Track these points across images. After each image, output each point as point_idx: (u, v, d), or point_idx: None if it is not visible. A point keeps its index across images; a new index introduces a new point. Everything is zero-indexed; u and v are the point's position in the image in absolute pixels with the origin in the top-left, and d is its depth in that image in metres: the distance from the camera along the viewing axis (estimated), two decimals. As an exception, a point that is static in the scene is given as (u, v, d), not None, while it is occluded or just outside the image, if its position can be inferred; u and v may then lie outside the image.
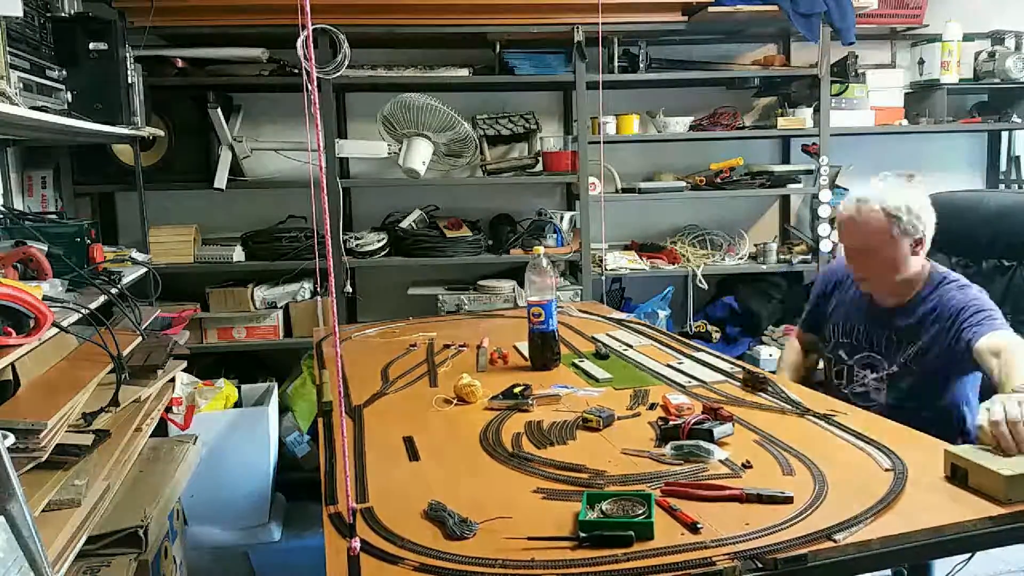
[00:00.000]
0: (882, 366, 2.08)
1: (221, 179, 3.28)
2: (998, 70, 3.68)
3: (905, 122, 3.74)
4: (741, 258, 3.71)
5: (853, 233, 2.01)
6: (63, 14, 2.50)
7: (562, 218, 3.55)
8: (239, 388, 3.20)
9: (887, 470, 1.34)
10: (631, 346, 2.27)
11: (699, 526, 1.16)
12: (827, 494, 1.26)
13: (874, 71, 3.78)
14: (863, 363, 2.13)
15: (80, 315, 1.78)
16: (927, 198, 2.00)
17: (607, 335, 2.41)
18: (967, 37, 3.71)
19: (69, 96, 2.23)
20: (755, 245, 3.76)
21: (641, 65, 3.45)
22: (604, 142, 3.40)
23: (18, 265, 1.81)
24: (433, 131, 3.34)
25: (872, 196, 1.97)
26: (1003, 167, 4.02)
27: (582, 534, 1.14)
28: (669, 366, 2.04)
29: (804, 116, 3.56)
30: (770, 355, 3.51)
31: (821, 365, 2.33)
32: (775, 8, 3.30)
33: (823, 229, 3.57)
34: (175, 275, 3.21)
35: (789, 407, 1.69)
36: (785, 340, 3.59)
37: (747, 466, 1.38)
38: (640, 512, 1.18)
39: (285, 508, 3.22)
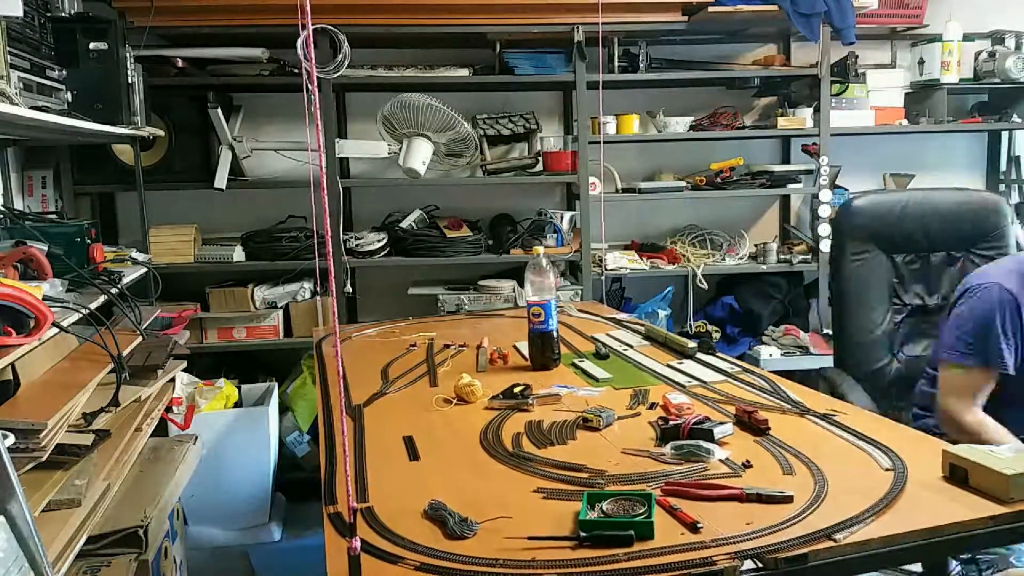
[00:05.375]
0: None
1: (221, 179, 3.28)
2: (998, 70, 3.68)
3: (905, 122, 3.74)
4: (741, 258, 3.71)
5: None
6: (63, 14, 2.50)
7: (562, 218, 3.55)
8: (239, 388, 3.20)
9: (887, 470, 1.34)
10: (631, 346, 2.27)
11: (699, 526, 1.16)
12: (827, 494, 1.26)
13: (874, 71, 3.78)
14: None
15: (80, 315, 1.78)
16: None
17: (607, 335, 2.41)
18: (967, 37, 3.71)
19: (69, 96, 2.23)
20: (755, 245, 3.76)
21: (641, 65, 3.45)
22: (604, 142, 3.40)
23: (18, 265, 1.81)
24: (433, 131, 3.34)
25: None
26: (1003, 167, 4.02)
27: (582, 534, 1.14)
28: (669, 366, 2.04)
29: (804, 116, 3.57)
30: (770, 355, 3.51)
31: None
32: (775, 8, 3.30)
33: (823, 229, 3.57)
34: (175, 275, 3.21)
35: (789, 407, 1.69)
36: (785, 340, 3.59)
37: (747, 465, 1.38)
38: (640, 512, 1.17)
39: (285, 508, 3.22)
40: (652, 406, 1.73)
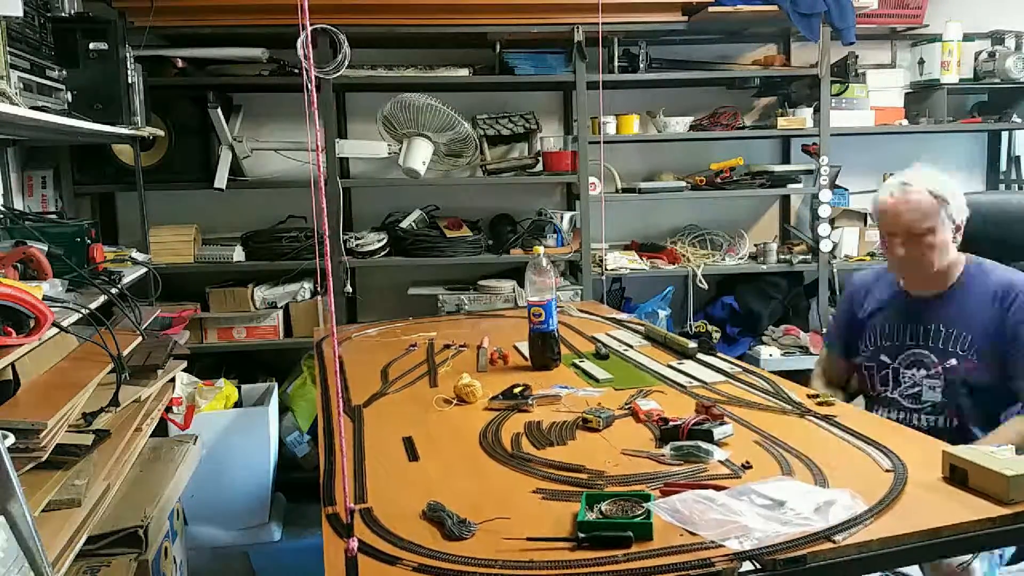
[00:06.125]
0: (931, 361, 2.03)
1: (221, 179, 3.28)
2: (998, 70, 3.68)
3: (905, 122, 3.73)
4: (741, 258, 3.71)
5: (900, 215, 1.98)
6: (63, 14, 2.50)
7: (562, 218, 3.55)
8: (239, 388, 3.21)
9: (887, 471, 1.34)
10: (631, 346, 2.27)
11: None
12: (827, 494, 1.26)
13: (874, 71, 3.78)
14: (909, 362, 2.07)
15: (80, 315, 1.78)
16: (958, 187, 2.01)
17: (607, 335, 2.41)
18: (967, 37, 3.71)
19: (69, 96, 2.22)
20: (755, 245, 3.76)
21: (641, 65, 3.45)
22: (604, 142, 3.40)
23: (18, 265, 1.81)
24: (433, 131, 3.35)
25: (916, 180, 1.98)
26: (1003, 167, 4.02)
27: (581, 535, 1.14)
28: (669, 366, 2.04)
29: (804, 116, 3.56)
30: (770, 355, 3.51)
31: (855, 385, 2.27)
32: (775, 8, 3.30)
33: (823, 229, 3.57)
34: (175, 275, 3.21)
35: (789, 407, 1.69)
36: (785, 340, 3.59)
37: (747, 466, 1.37)
38: (639, 513, 1.17)
39: (285, 508, 3.22)
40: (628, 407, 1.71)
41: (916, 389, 2.06)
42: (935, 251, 1.98)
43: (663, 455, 1.44)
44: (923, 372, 2.05)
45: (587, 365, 2.08)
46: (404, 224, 3.51)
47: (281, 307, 3.40)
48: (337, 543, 1.17)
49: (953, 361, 2.01)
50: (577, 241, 3.51)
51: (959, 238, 2.00)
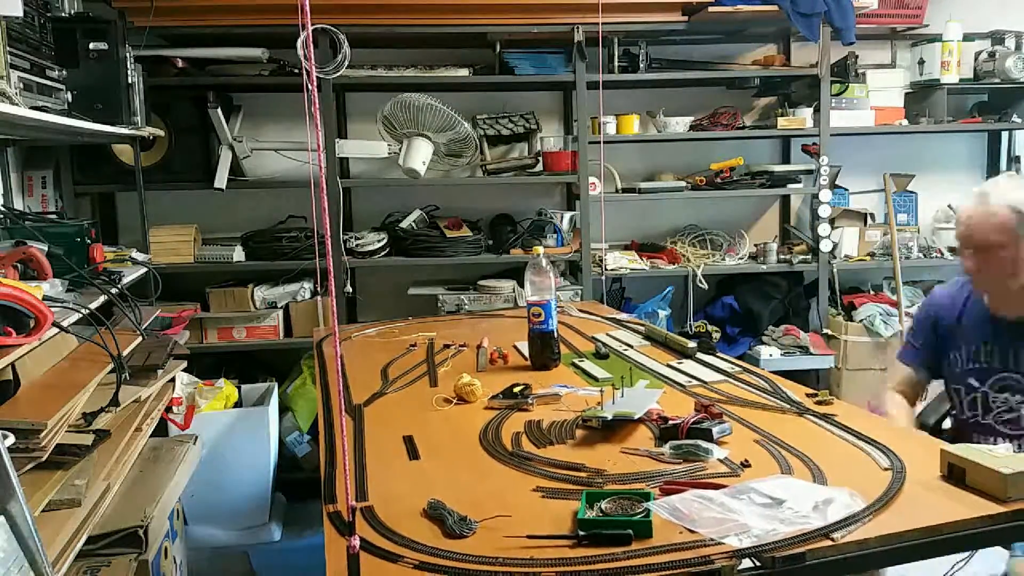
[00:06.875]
0: (1021, 386, 1.94)
1: (221, 179, 3.28)
2: (998, 70, 3.68)
3: (905, 122, 3.74)
4: (741, 258, 3.71)
5: (971, 227, 1.90)
6: (63, 14, 2.51)
7: (562, 218, 3.55)
8: (239, 388, 3.21)
9: (885, 469, 1.34)
10: (631, 346, 2.27)
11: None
12: (826, 493, 1.26)
13: (874, 71, 3.78)
14: (999, 386, 1.98)
15: (80, 315, 1.79)
16: None
17: (607, 335, 2.41)
18: (967, 37, 3.71)
19: (69, 96, 2.23)
20: (755, 245, 3.76)
21: (641, 65, 3.45)
22: (604, 142, 3.40)
23: (18, 265, 1.81)
24: (433, 131, 3.35)
25: (996, 192, 1.88)
26: (1003, 167, 4.01)
27: (581, 532, 1.14)
28: (669, 366, 2.04)
29: (804, 116, 3.57)
30: (770, 355, 3.51)
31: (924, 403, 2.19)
32: (775, 8, 3.31)
33: (823, 229, 3.57)
34: (175, 275, 3.22)
35: (788, 406, 1.69)
36: (785, 340, 3.59)
37: (746, 465, 1.38)
38: (639, 511, 1.18)
39: (285, 508, 3.22)
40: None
41: (1013, 415, 1.97)
42: (1008, 266, 1.87)
43: (662, 454, 1.44)
44: (1018, 397, 1.95)
45: (587, 365, 2.08)
46: (404, 224, 3.51)
47: (281, 307, 3.41)
48: (338, 541, 1.17)
49: None
50: (577, 241, 3.51)
51: None
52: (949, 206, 3.82)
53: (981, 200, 1.90)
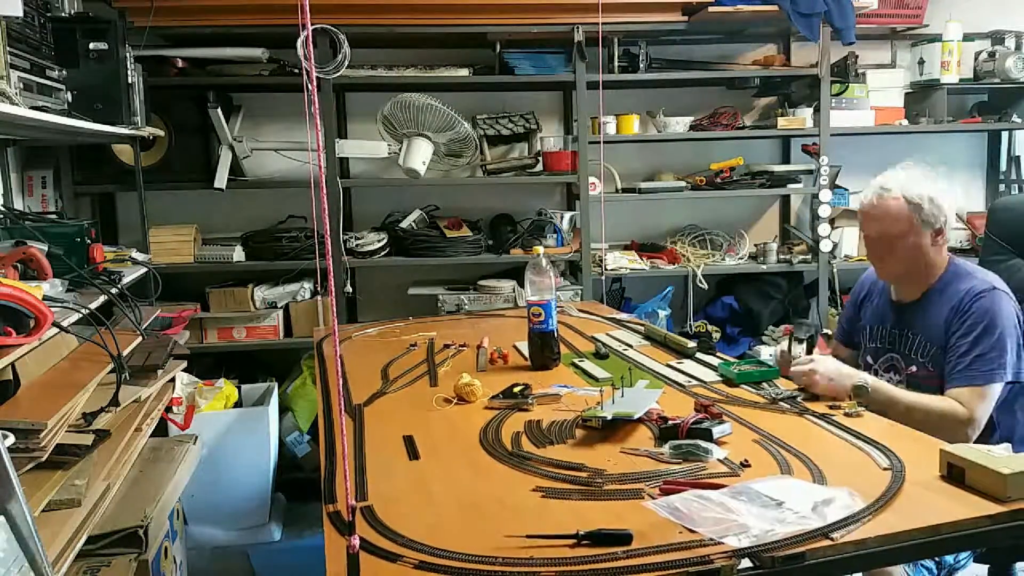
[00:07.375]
0: (901, 366, 2.04)
1: (221, 179, 3.28)
2: (998, 70, 3.68)
3: (905, 122, 3.74)
4: (741, 258, 3.71)
5: (873, 220, 1.98)
6: (63, 14, 2.51)
7: (562, 218, 3.55)
8: (239, 388, 3.21)
9: (885, 469, 1.34)
10: (631, 346, 2.27)
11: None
12: (825, 493, 1.26)
13: (874, 71, 3.78)
14: (886, 365, 2.08)
15: (80, 315, 1.78)
16: (947, 189, 1.98)
17: (607, 335, 2.41)
18: (967, 37, 3.71)
19: (69, 96, 2.23)
20: (755, 245, 3.76)
21: (641, 65, 3.45)
22: (604, 142, 3.40)
23: (18, 265, 1.81)
24: (433, 131, 3.35)
25: (894, 185, 1.95)
26: (1003, 167, 4.02)
27: (580, 532, 1.14)
28: (669, 366, 2.04)
29: (804, 116, 3.57)
30: (770, 355, 3.50)
31: None
32: (775, 8, 3.30)
33: (823, 229, 3.57)
34: (175, 275, 3.21)
35: (788, 406, 1.69)
36: (785, 340, 3.58)
37: (745, 465, 1.38)
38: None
39: (285, 508, 3.22)
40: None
41: None
42: (902, 256, 1.96)
43: (662, 454, 1.45)
44: (896, 377, 2.04)
45: (587, 365, 2.08)
46: (404, 224, 3.51)
47: (281, 307, 3.41)
48: (338, 541, 1.17)
49: (914, 368, 2.01)
50: (577, 241, 3.51)
51: (941, 241, 1.97)
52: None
53: (879, 193, 1.97)
